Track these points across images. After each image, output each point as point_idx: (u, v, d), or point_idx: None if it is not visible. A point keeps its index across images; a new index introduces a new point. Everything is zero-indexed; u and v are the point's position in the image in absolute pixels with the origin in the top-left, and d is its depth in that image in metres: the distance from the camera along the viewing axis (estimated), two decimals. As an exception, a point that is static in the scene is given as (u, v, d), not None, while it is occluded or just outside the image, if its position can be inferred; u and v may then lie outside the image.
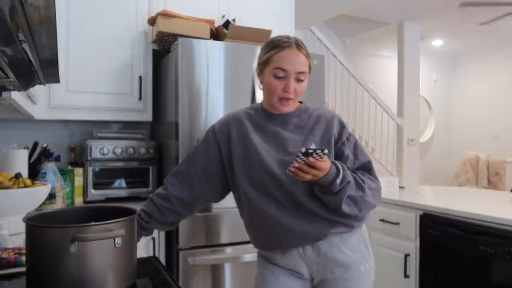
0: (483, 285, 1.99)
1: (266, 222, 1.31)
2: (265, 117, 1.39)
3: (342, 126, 1.37)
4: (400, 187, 3.06)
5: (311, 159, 1.13)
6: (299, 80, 1.31)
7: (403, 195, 2.71)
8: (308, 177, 1.16)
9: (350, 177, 1.25)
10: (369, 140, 4.96)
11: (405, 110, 5.10)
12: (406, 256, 2.38)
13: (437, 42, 6.35)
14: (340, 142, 1.35)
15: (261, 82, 1.37)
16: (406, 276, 2.38)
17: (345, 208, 1.24)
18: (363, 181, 1.30)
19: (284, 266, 1.36)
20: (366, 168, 1.36)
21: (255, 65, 2.18)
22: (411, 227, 2.38)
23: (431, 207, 2.28)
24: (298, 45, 1.32)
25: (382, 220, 2.57)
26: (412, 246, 2.37)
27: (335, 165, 1.22)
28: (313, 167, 1.14)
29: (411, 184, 4.47)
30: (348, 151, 1.34)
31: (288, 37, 1.33)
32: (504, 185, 5.60)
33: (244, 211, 1.40)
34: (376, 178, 1.37)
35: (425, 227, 2.29)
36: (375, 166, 4.83)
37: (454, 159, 6.96)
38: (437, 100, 7.10)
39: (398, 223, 2.46)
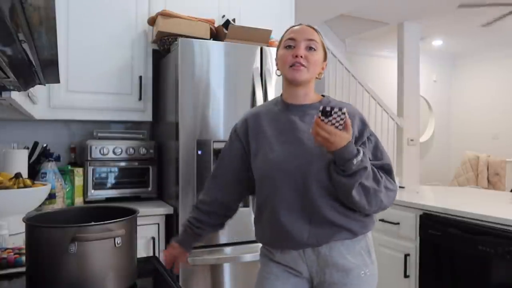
0: (483, 285, 1.99)
1: (271, 218, 1.30)
2: (284, 108, 1.37)
3: (364, 125, 1.33)
4: (400, 187, 3.06)
5: (331, 119, 1.12)
6: (310, 48, 1.31)
7: (403, 195, 2.70)
8: (320, 137, 1.13)
9: (368, 164, 1.21)
10: (369, 140, 4.94)
11: (405, 110, 5.10)
12: (406, 256, 2.38)
13: (437, 42, 6.36)
14: (360, 142, 1.30)
15: (278, 69, 1.37)
16: (406, 276, 2.38)
17: (354, 194, 1.20)
18: (381, 176, 1.27)
19: (283, 263, 1.34)
20: (385, 170, 1.32)
21: (255, 65, 2.19)
22: (411, 227, 2.38)
23: (431, 207, 2.28)
24: (309, 25, 1.36)
25: (382, 220, 2.57)
26: (412, 246, 2.37)
27: (356, 148, 1.19)
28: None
29: (411, 184, 4.47)
30: (367, 151, 1.30)
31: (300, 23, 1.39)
32: (504, 185, 5.60)
33: (256, 202, 1.40)
34: (394, 181, 1.33)
35: (425, 227, 2.29)
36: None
37: (454, 159, 6.96)
38: (437, 100, 7.11)
39: (398, 223, 2.46)
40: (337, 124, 1.13)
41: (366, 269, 1.31)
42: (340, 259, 1.28)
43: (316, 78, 1.37)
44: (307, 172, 1.24)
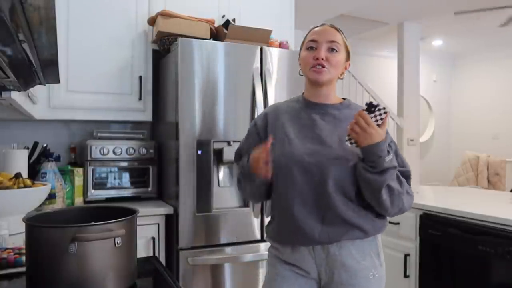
0: (483, 285, 1.99)
1: (284, 213, 1.30)
2: (305, 106, 1.38)
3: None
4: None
5: (372, 116, 1.16)
6: (332, 49, 1.31)
7: (403, 195, 2.70)
8: (359, 126, 1.16)
9: (396, 164, 1.24)
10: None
11: (405, 110, 5.10)
12: (406, 256, 2.38)
13: (437, 42, 6.36)
14: None
15: (301, 69, 1.38)
16: (406, 276, 2.38)
17: (383, 193, 1.22)
18: (403, 180, 1.30)
19: (292, 262, 1.33)
20: (405, 176, 1.35)
21: (255, 65, 2.19)
22: (411, 227, 2.38)
23: (431, 207, 2.28)
24: (332, 25, 1.36)
25: (382, 220, 2.57)
26: (412, 246, 2.37)
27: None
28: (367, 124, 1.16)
29: (411, 184, 4.47)
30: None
31: (323, 23, 1.39)
32: (504, 185, 5.60)
33: (273, 196, 1.39)
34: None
35: (425, 227, 2.29)
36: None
37: (454, 159, 6.96)
38: (437, 100, 7.10)
39: (398, 223, 2.46)
40: (375, 122, 1.17)
41: (375, 271, 1.31)
42: (349, 259, 1.28)
43: (339, 78, 1.38)
44: (326, 169, 1.25)
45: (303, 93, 1.42)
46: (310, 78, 1.34)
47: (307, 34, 1.38)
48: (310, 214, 1.27)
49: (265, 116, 1.42)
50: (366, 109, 1.16)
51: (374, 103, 1.16)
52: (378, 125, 1.18)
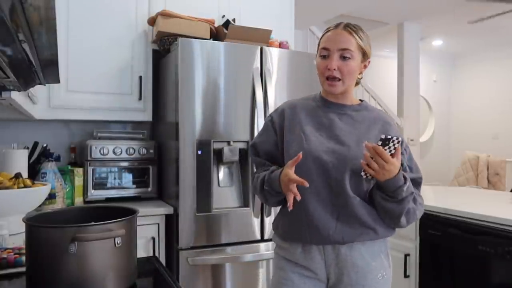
0: (483, 285, 1.99)
1: (298, 209, 1.28)
2: (323, 104, 1.38)
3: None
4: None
5: (391, 146, 1.15)
6: (344, 58, 1.30)
7: (403, 195, 2.69)
8: (375, 165, 1.15)
9: (413, 189, 1.26)
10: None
11: (405, 110, 5.10)
12: (406, 256, 2.38)
13: (437, 42, 6.36)
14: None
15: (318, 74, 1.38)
16: (406, 276, 2.38)
17: (402, 218, 1.25)
18: (417, 194, 1.31)
19: (300, 263, 1.32)
20: (417, 183, 1.35)
21: (255, 65, 2.19)
22: (411, 227, 2.38)
23: (431, 207, 2.28)
24: (346, 26, 1.33)
25: (382, 220, 2.57)
26: (412, 246, 2.37)
27: (403, 174, 1.22)
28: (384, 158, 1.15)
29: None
30: (406, 162, 1.33)
31: (340, 22, 1.36)
32: (504, 185, 5.60)
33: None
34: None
35: (425, 227, 2.28)
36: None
37: (454, 159, 6.96)
38: (437, 100, 7.11)
39: (398, 223, 2.46)
40: (389, 153, 1.16)
41: (384, 272, 1.32)
42: (360, 259, 1.28)
43: (357, 78, 1.37)
44: (343, 168, 1.25)
45: (320, 92, 1.42)
46: (326, 90, 1.34)
47: (321, 37, 1.36)
48: (325, 211, 1.27)
49: (282, 112, 1.41)
50: (381, 144, 1.15)
51: (388, 136, 1.14)
52: (391, 155, 1.17)
